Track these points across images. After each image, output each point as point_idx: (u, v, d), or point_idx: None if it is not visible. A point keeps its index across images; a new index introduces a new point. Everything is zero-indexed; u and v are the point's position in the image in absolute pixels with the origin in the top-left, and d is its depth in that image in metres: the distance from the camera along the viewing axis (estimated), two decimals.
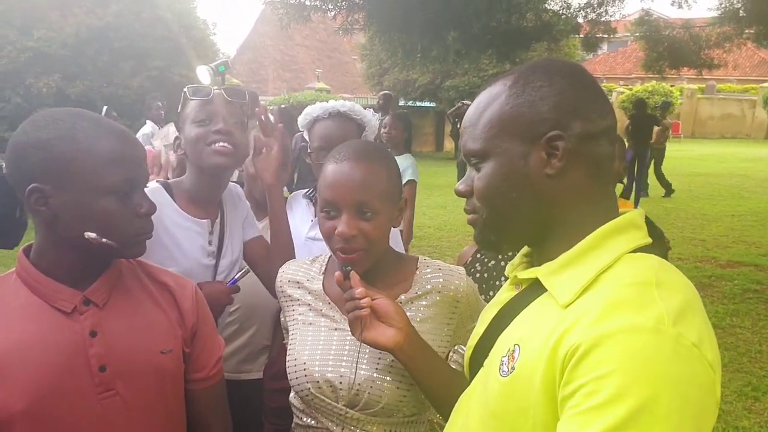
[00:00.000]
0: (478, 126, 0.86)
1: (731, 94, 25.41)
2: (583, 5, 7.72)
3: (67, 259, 1.05)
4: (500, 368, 0.81)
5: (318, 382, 1.17)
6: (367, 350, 1.16)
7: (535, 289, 0.85)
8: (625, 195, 9.09)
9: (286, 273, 1.34)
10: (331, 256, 1.30)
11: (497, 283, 1.85)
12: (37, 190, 0.98)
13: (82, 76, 10.65)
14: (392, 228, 1.23)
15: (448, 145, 17.24)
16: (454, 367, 1.20)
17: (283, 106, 10.98)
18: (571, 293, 0.77)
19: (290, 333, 1.29)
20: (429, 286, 1.23)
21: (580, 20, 7.93)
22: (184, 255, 1.55)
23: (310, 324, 1.25)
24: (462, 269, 1.29)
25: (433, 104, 17.78)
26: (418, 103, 17.94)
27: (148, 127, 6.37)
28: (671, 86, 23.07)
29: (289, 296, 1.31)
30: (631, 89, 24.00)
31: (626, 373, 0.65)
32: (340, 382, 1.16)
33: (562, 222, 0.84)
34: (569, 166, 0.81)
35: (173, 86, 10.70)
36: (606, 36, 8.41)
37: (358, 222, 1.14)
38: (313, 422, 1.22)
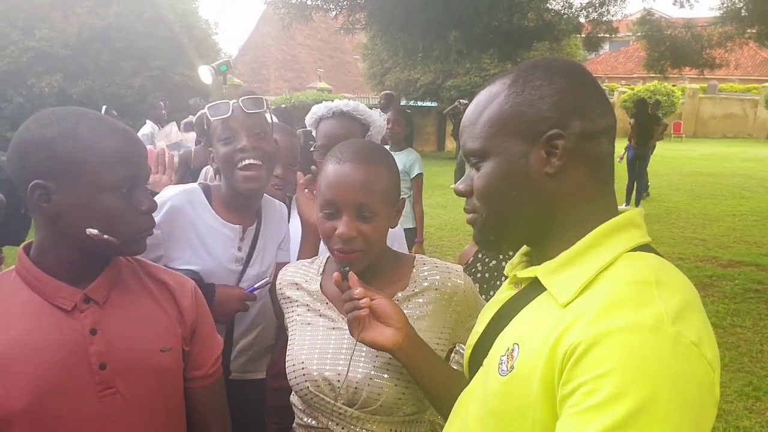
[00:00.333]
0: (478, 125, 0.86)
1: (733, 93, 25.37)
2: (584, 5, 7.71)
3: (68, 257, 1.05)
4: (499, 367, 0.81)
5: (316, 380, 1.18)
6: (365, 348, 1.16)
7: (534, 288, 0.85)
8: (626, 194, 9.10)
9: (285, 275, 1.35)
10: (329, 256, 1.30)
11: (498, 282, 1.84)
12: (40, 187, 0.99)
13: (84, 76, 10.68)
14: (394, 228, 1.23)
15: (450, 144, 17.21)
16: (455, 367, 1.20)
17: (283, 105, 10.97)
18: (570, 292, 0.77)
19: (289, 333, 1.29)
20: (426, 284, 1.23)
21: (582, 20, 7.92)
22: (210, 255, 1.58)
23: (309, 324, 1.25)
24: (459, 267, 1.29)
25: (434, 104, 17.74)
26: (420, 103, 17.90)
27: (148, 127, 6.36)
28: (673, 86, 23.07)
29: (288, 298, 1.32)
30: (632, 89, 24.00)
31: (625, 372, 0.65)
32: (338, 380, 1.16)
33: (562, 221, 0.83)
34: (569, 164, 0.81)
35: (175, 86, 10.74)
36: (608, 35, 8.39)
37: (358, 223, 1.14)
38: (313, 422, 1.23)
